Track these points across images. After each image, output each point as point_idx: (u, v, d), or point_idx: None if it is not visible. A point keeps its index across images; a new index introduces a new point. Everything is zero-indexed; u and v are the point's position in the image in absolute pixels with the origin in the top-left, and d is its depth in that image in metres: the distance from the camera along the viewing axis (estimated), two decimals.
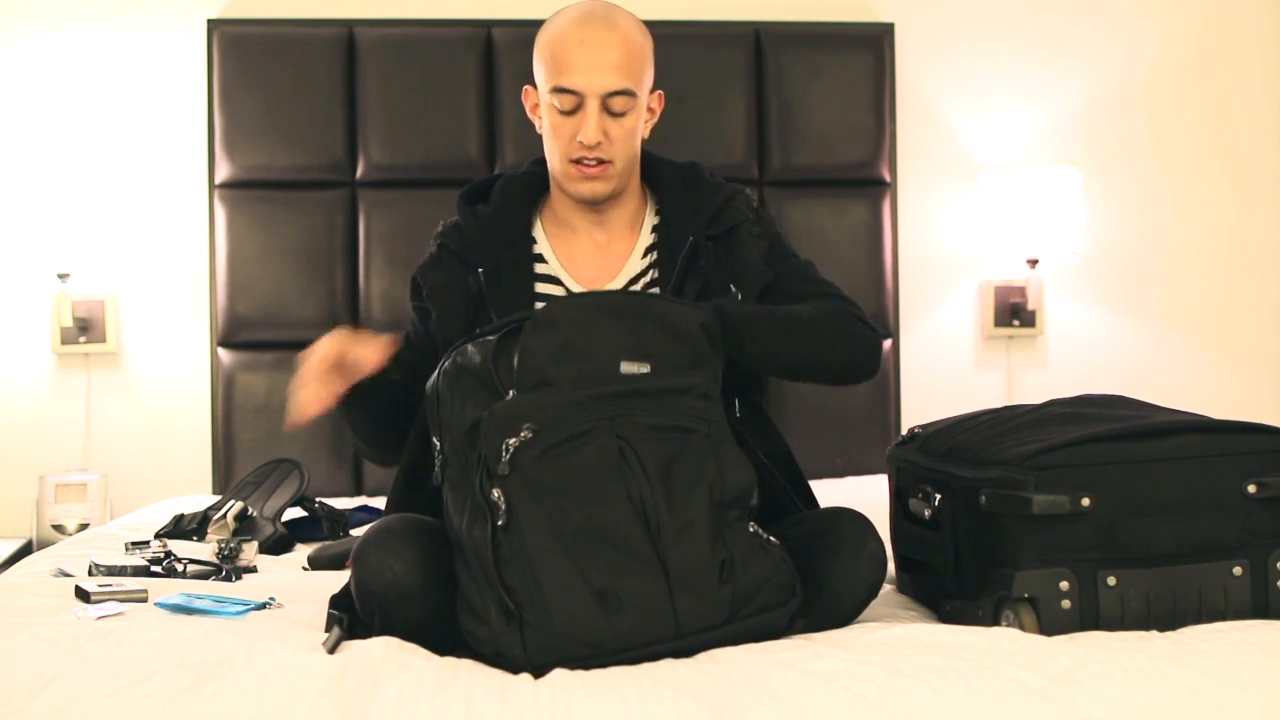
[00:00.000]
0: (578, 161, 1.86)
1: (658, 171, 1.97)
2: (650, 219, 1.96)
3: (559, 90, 1.85)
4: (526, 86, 1.96)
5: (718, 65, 3.37)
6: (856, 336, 1.88)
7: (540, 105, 1.91)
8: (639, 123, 1.89)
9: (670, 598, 1.51)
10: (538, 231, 1.95)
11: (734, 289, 1.87)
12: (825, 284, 1.93)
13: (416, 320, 1.99)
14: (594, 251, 1.93)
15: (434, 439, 1.69)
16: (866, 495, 2.74)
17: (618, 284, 1.92)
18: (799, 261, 1.96)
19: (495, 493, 1.52)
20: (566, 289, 1.91)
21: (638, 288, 1.92)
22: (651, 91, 1.93)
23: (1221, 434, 1.71)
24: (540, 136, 1.93)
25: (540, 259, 1.94)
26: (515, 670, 1.48)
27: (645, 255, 1.95)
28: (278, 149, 3.27)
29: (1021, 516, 1.63)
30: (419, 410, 1.77)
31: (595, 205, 1.92)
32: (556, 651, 1.48)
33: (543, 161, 1.95)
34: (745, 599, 1.55)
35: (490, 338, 1.63)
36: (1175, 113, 3.64)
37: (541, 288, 1.91)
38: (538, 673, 1.46)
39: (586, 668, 1.47)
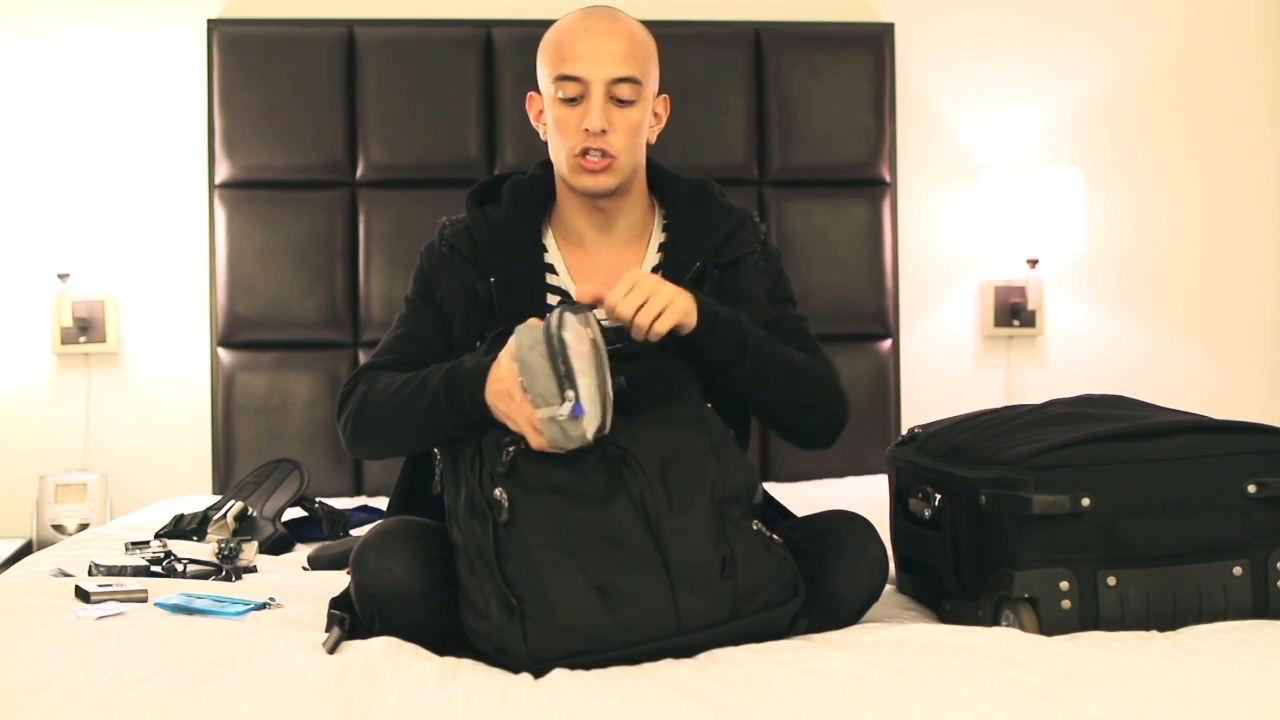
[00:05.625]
0: (583, 154, 1.82)
1: (667, 184, 1.94)
2: (658, 235, 1.92)
3: (563, 79, 1.81)
4: (531, 93, 1.93)
5: (718, 65, 3.36)
6: (836, 404, 1.87)
7: (545, 106, 1.88)
8: (645, 117, 1.86)
9: (672, 593, 1.52)
10: (548, 240, 1.91)
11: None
12: (815, 344, 1.91)
13: (418, 313, 1.91)
14: (602, 266, 1.88)
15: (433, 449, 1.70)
16: (866, 495, 2.75)
17: None
18: (795, 312, 1.94)
19: (497, 491, 1.55)
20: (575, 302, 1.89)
21: None
22: (657, 96, 1.91)
23: (1222, 434, 1.71)
24: (542, 144, 1.91)
25: (551, 269, 1.89)
26: (517, 667, 1.48)
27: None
28: (278, 149, 3.27)
29: (1021, 516, 1.63)
30: None
31: (601, 205, 1.88)
32: (558, 645, 1.48)
33: (550, 164, 1.92)
34: (747, 596, 1.55)
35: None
36: (1175, 113, 3.64)
37: (553, 299, 1.86)
38: (538, 672, 1.47)
39: (588, 665, 1.47)
